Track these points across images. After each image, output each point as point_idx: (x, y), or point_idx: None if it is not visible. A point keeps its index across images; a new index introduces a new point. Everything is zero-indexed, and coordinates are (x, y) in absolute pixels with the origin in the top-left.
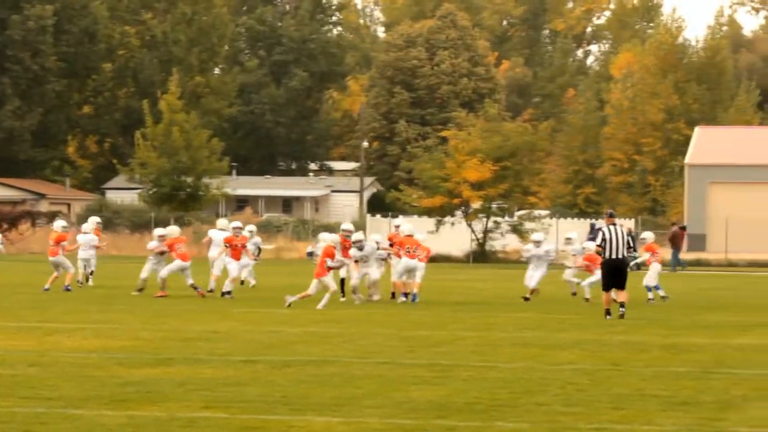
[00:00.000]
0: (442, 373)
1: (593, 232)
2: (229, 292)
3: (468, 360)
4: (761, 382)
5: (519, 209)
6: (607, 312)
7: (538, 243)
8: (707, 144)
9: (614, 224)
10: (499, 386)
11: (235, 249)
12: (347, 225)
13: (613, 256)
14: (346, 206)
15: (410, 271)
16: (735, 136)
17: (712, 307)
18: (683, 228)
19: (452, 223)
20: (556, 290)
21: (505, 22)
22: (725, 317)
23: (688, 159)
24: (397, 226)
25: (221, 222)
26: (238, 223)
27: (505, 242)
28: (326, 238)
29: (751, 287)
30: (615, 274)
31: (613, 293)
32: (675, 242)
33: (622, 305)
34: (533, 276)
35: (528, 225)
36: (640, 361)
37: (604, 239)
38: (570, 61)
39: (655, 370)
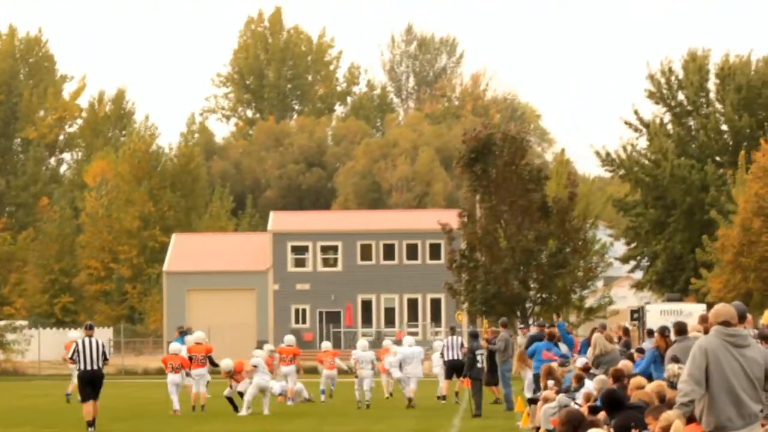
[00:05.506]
0: None
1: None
2: None
3: None
4: None
5: None
6: (89, 424)
7: None
8: (184, 251)
9: (91, 336)
10: None
11: None
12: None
13: (89, 368)
14: None
15: None
16: (211, 242)
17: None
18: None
19: None
20: (46, 402)
21: None
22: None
23: (166, 266)
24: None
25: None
26: None
27: None
28: None
29: None
30: (91, 384)
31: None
32: None
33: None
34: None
35: (10, 336)
36: None
37: (76, 350)
38: (43, 169)
39: None
